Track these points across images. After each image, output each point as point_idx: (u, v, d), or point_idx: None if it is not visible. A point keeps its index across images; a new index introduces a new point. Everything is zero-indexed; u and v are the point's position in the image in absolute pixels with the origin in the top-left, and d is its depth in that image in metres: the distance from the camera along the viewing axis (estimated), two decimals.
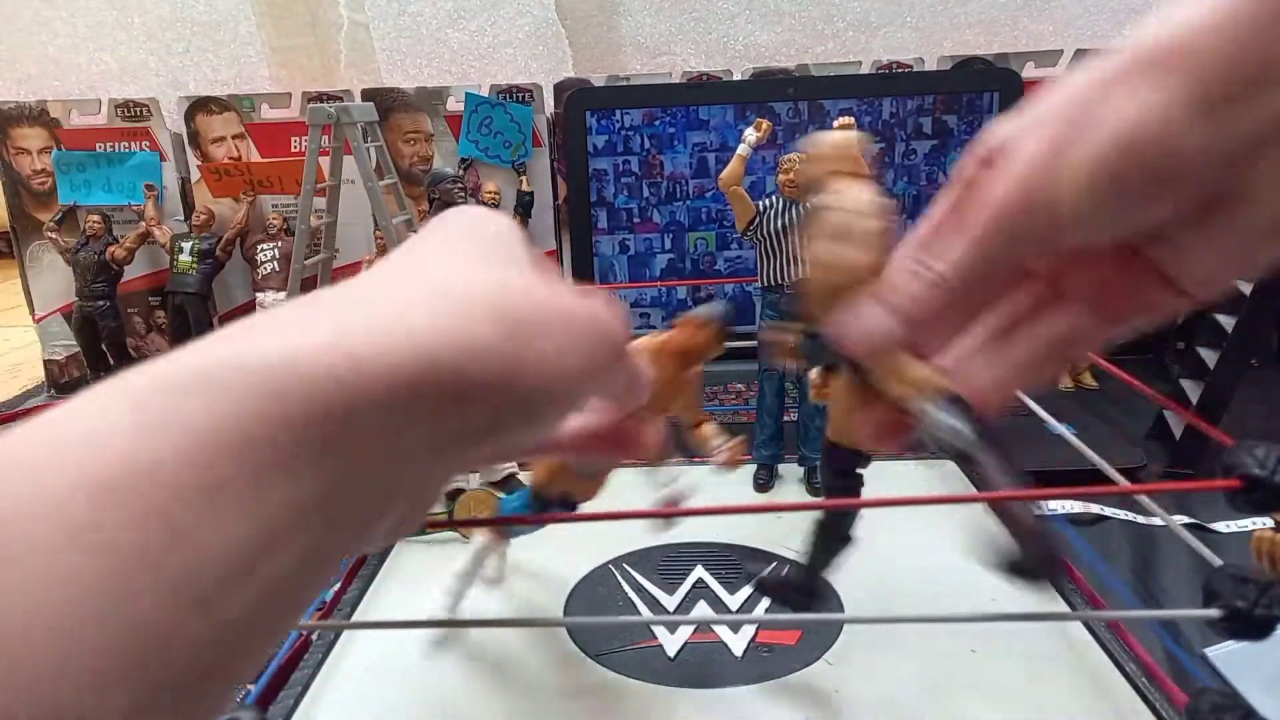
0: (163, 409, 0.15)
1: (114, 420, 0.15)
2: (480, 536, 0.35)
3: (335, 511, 0.16)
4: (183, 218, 1.24)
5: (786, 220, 0.85)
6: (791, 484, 0.77)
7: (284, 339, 0.16)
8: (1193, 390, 0.83)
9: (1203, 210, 0.22)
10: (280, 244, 1.18)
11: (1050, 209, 0.21)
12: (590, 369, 0.21)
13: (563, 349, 0.20)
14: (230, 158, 1.22)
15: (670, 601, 0.55)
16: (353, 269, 1.21)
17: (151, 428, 0.15)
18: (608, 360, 0.21)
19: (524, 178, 1.20)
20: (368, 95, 1.20)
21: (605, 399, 0.26)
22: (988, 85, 1.13)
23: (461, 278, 0.20)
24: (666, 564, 0.60)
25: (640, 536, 0.63)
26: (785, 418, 0.81)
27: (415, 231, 0.71)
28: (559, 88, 1.22)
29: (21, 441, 0.14)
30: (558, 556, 0.60)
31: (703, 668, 0.48)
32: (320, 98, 1.19)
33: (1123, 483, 0.43)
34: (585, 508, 0.38)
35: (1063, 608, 0.51)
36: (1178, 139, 0.20)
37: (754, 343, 0.84)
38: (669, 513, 0.32)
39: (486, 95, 1.19)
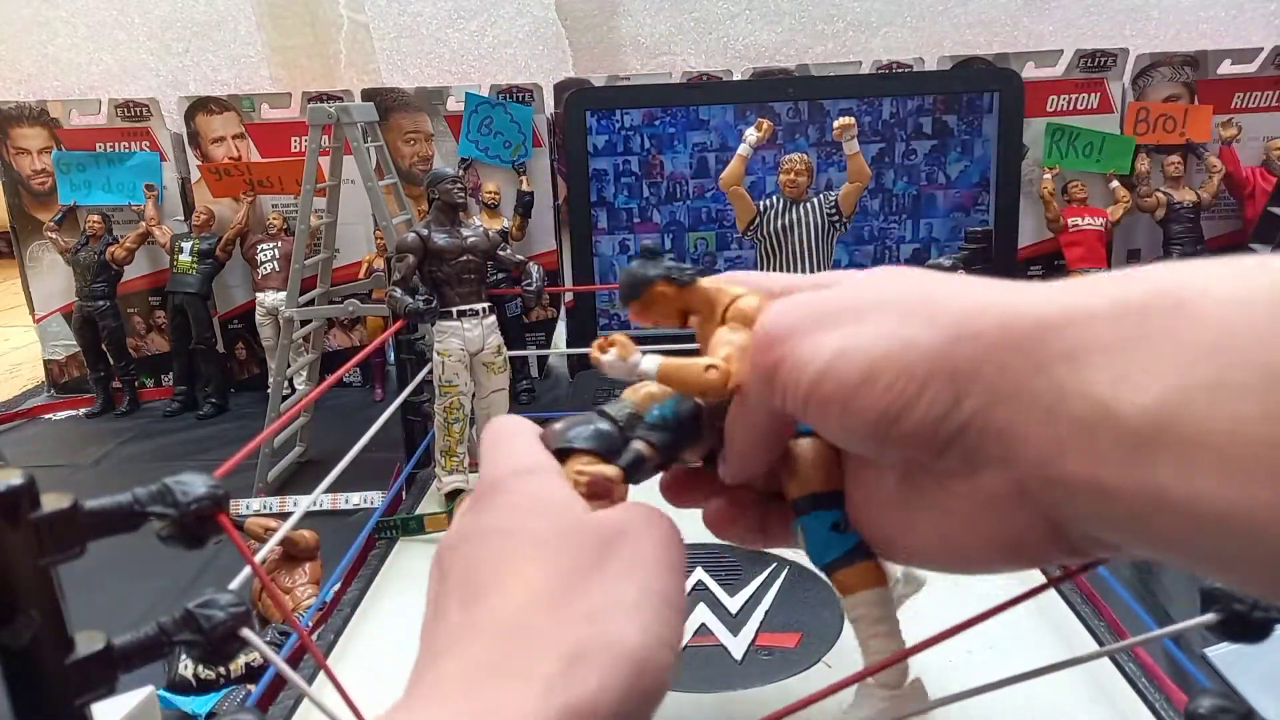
0: None
1: None
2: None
3: None
4: (183, 218, 1.24)
5: (787, 220, 0.85)
6: None
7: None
8: None
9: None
10: (280, 244, 1.18)
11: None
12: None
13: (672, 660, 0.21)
14: (230, 158, 1.22)
15: None
16: (353, 269, 1.21)
17: None
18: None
19: (524, 178, 1.20)
20: (368, 95, 1.20)
21: None
22: (988, 85, 1.13)
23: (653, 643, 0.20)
24: None
25: None
26: None
27: (415, 231, 0.71)
28: (559, 88, 1.22)
29: None
30: None
31: (703, 671, 0.48)
32: (320, 98, 1.19)
33: None
34: None
35: (1063, 608, 0.51)
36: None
37: None
38: None
39: (486, 95, 1.19)
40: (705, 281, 0.26)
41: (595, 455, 0.25)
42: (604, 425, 0.26)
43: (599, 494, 0.24)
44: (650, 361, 0.24)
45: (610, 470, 0.24)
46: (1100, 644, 0.47)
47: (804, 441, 0.26)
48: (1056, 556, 0.20)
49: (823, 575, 0.26)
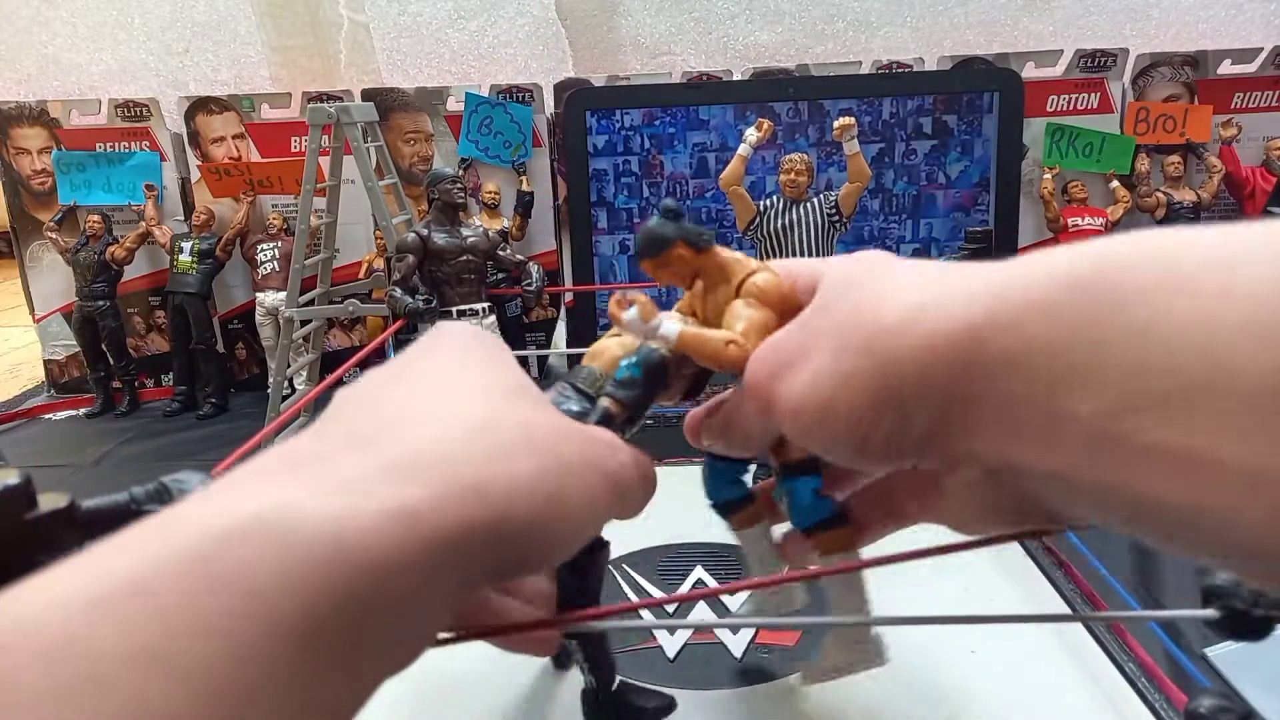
0: (221, 569, 0.14)
1: (169, 580, 0.14)
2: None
3: (378, 664, 0.16)
4: (183, 218, 1.24)
5: (787, 220, 0.85)
6: None
7: (337, 495, 0.16)
8: None
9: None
10: (280, 244, 1.18)
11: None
12: (602, 503, 0.21)
13: (581, 485, 0.20)
14: (230, 158, 1.22)
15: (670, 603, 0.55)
16: (353, 269, 1.21)
17: (208, 589, 0.14)
18: (616, 493, 0.22)
19: (524, 178, 1.20)
20: (368, 95, 1.20)
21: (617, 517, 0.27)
22: (988, 85, 1.13)
23: (494, 412, 0.20)
24: (666, 565, 0.60)
25: (640, 537, 0.63)
26: None
27: (415, 231, 0.71)
28: (559, 88, 1.22)
29: (53, 600, 0.13)
30: None
31: (702, 669, 0.48)
32: (320, 98, 1.18)
33: None
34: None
35: (1063, 609, 0.51)
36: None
37: None
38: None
39: (486, 95, 1.19)
40: (720, 250, 0.27)
41: None
42: (575, 406, 0.26)
43: None
44: (670, 327, 0.25)
45: None
46: (1099, 642, 0.47)
47: None
48: (1042, 523, 0.21)
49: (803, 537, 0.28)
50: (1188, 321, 0.14)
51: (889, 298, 0.20)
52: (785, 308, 0.24)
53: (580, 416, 0.26)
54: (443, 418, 0.19)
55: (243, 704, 0.13)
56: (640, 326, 0.25)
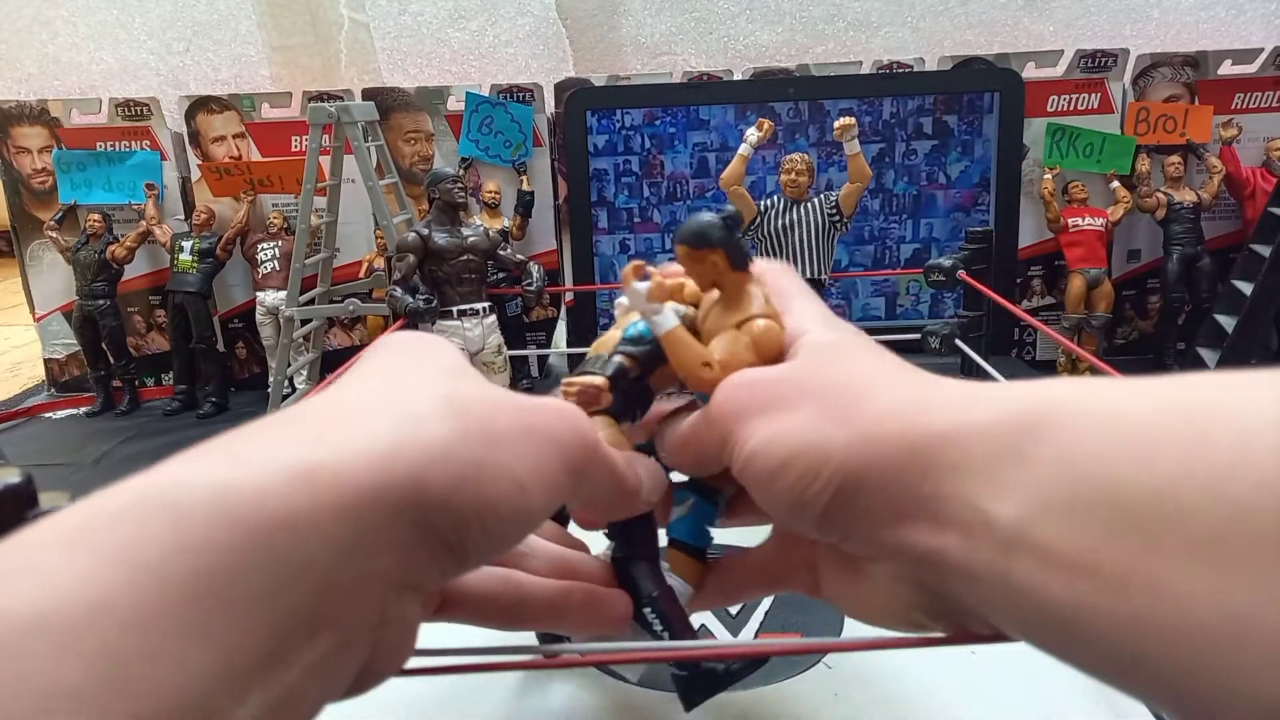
0: (107, 538, 0.14)
1: (55, 551, 0.14)
2: None
3: (297, 649, 0.15)
4: (183, 217, 1.24)
5: (788, 220, 0.85)
6: None
7: (233, 462, 0.16)
8: None
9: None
10: (280, 243, 1.18)
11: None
12: (552, 473, 0.20)
13: (522, 452, 0.20)
14: (231, 157, 1.22)
15: None
16: (353, 269, 1.21)
17: (94, 558, 0.14)
18: (573, 463, 0.21)
19: (524, 177, 1.20)
20: (368, 95, 1.20)
21: (586, 505, 0.26)
22: (988, 85, 1.13)
23: (415, 389, 0.20)
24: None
25: None
26: None
27: (415, 231, 0.71)
28: (559, 87, 1.22)
29: None
30: None
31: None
32: (321, 97, 1.18)
33: None
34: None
35: None
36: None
37: None
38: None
39: (487, 95, 1.19)
40: (751, 277, 0.27)
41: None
42: None
43: (588, 401, 0.26)
44: (667, 319, 0.26)
45: (597, 379, 0.26)
46: None
47: None
48: (954, 624, 0.22)
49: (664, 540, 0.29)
50: (1083, 448, 0.17)
51: (877, 387, 0.21)
52: (769, 359, 0.25)
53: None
54: (357, 398, 0.19)
55: (143, 668, 0.13)
56: (642, 303, 0.26)
